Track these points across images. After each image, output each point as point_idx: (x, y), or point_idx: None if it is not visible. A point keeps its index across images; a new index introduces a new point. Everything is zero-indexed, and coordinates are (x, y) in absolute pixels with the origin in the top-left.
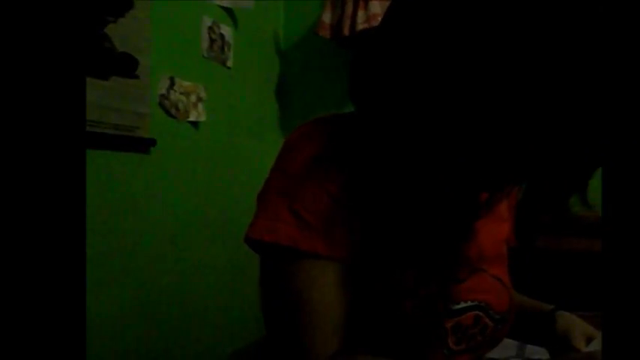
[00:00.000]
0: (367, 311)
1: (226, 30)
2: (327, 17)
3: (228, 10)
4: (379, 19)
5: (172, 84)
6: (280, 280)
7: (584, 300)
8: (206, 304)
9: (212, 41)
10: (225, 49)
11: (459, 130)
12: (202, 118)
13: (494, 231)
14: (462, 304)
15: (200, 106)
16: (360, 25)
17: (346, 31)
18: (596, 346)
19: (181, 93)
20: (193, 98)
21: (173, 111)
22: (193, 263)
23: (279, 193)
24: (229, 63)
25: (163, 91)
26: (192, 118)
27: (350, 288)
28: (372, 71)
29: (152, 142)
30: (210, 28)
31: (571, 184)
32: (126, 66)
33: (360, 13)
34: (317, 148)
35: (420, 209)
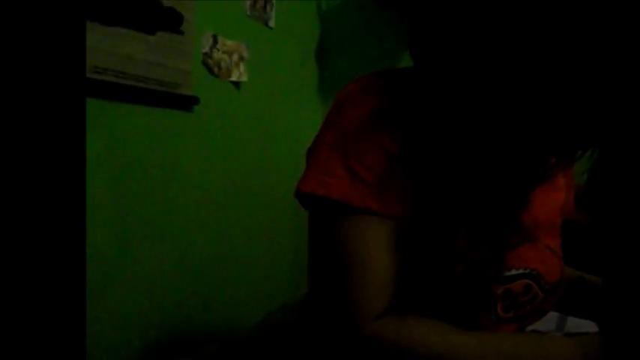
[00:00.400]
0: (418, 272)
1: None
2: None
3: None
4: None
5: (215, 42)
6: (331, 235)
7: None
8: (245, 263)
9: (255, 1)
10: (268, 8)
11: (523, 89)
12: (244, 79)
13: (550, 200)
14: (514, 271)
15: (242, 65)
16: None
17: None
18: None
19: (224, 52)
20: (235, 57)
21: (216, 70)
22: (232, 224)
23: (333, 148)
24: (271, 23)
25: (206, 49)
26: (234, 78)
27: (402, 247)
28: (433, 27)
29: (195, 100)
30: None
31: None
32: (172, 21)
33: None
34: (373, 102)
35: (479, 171)
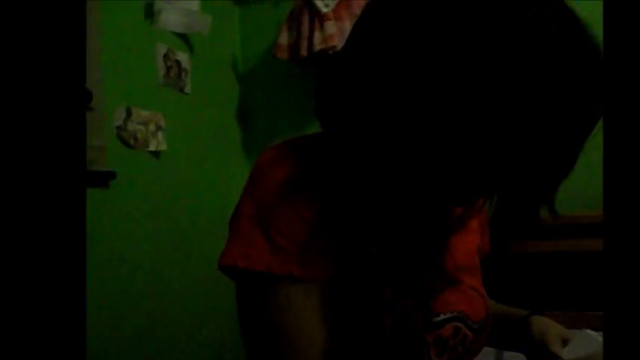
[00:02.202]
0: (349, 332)
1: (182, 56)
2: (283, 39)
3: (183, 36)
4: (335, 39)
5: (129, 114)
6: (258, 306)
7: (555, 299)
8: (175, 336)
9: (168, 68)
10: (182, 75)
11: (428, 146)
12: (163, 147)
13: (467, 243)
14: (442, 316)
15: (160, 134)
16: (318, 46)
17: (304, 52)
18: (572, 347)
19: (139, 123)
20: (152, 127)
21: (132, 142)
22: (162, 293)
23: (251, 219)
24: (187, 89)
25: (119, 123)
26: (152, 148)
27: (330, 310)
28: (338, 90)
29: (111, 175)
30: (165, 55)
31: (539, 197)
32: None
33: (317, 34)
34: (287, 171)
35: (394, 225)
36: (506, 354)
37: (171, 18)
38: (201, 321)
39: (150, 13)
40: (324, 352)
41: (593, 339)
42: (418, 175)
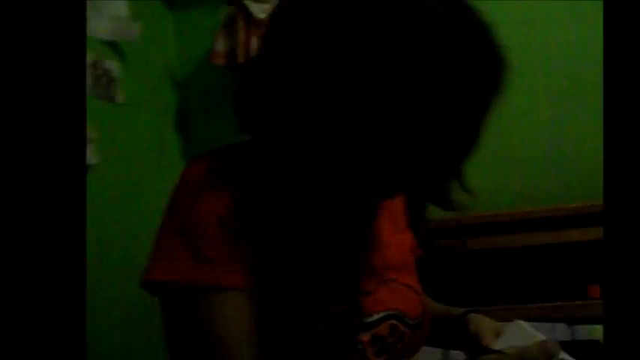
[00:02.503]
0: (282, 337)
1: (112, 64)
2: (220, 45)
3: (113, 44)
4: None
5: None
6: (186, 321)
7: (492, 295)
8: (110, 348)
9: (97, 78)
10: (113, 84)
11: (343, 135)
12: (94, 161)
13: (398, 241)
14: (375, 316)
15: (90, 147)
16: (255, 52)
17: (241, 58)
18: (505, 338)
19: None
20: None
21: None
22: (97, 311)
23: (172, 231)
24: (119, 99)
25: None
26: None
27: (261, 317)
28: (257, 94)
29: None
30: (93, 64)
31: (448, 174)
32: None
33: (254, 40)
34: (207, 181)
35: (319, 225)
36: (452, 353)
37: (97, 25)
38: (134, 335)
39: None
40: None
41: (523, 329)
42: (338, 167)
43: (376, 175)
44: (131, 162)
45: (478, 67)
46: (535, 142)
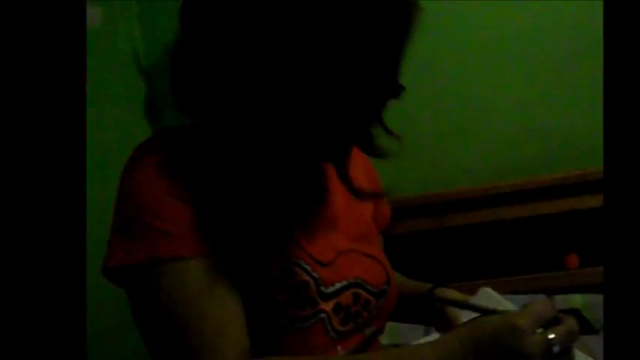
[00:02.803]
0: (247, 308)
1: None
2: None
3: None
4: None
5: None
6: (154, 298)
7: (472, 270)
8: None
9: None
10: None
11: (273, 96)
12: None
13: (355, 212)
14: (337, 285)
15: None
16: None
17: None
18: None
19: None
20: None
21: None
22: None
23: (126, 215)
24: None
25: None
26: None
27: (228, 284)
28: (185, 75)
29: None
30: None
31: (370, 120)
32: None
33: None
34: (155, 159)
35: (268, 195)
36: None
37: None
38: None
39: None
40: (235, 329)
41: (491, 296)
42: (274, 128)
43: (308, 128)
44: (100, 152)
45: (389, 7)
46: (511, 117)
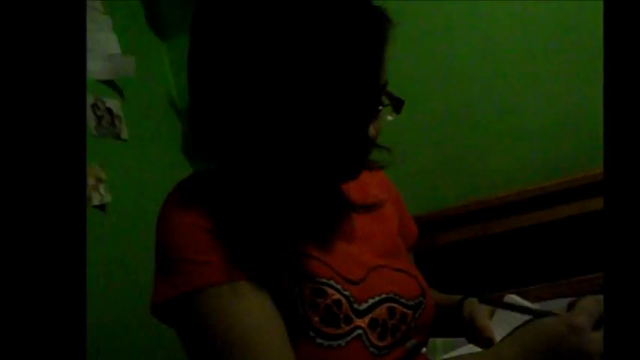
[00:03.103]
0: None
1: (112, 103)
2: None
3: (110, 83)
4: None
5: None
6: (198, 326)
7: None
8: None
9: (99, 118)
10: (116, 122)
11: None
12: (107, 200)
13: (384, 229)
14: (370, 301)
15: (101, 187)
16: None
17: None
18: (500, 316)
19: None
20: (92, 181)
21: None
22: (129, 343)
23: (163, 255)
24: (124, 135)
25: None
26: (95, 202)
27: (267, 304)
28: (204, 125)
29: None
30: (94, 105)
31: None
32: None
33: None
34: (177, 202)
35: (287, 219)
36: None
37: (93, 66)
38: None
39: None
40: (284, 344)
41: (516, 302)
42: (291, 166)
43: (317, 155)
44: (143, 196)
45: (367, 25)
46: (545, 114)
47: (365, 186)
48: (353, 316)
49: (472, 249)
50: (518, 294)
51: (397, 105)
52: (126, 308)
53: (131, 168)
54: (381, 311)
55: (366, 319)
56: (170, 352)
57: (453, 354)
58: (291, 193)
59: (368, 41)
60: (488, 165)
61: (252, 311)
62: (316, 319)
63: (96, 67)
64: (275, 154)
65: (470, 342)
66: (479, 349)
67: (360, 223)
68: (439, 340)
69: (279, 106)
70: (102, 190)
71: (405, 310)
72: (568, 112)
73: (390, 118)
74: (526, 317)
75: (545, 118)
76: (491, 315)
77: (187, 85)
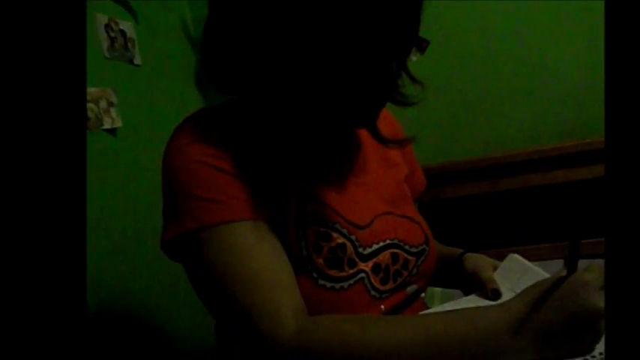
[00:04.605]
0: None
1: (126, 25)
2: None
3: (124, 4)
4: None
5: None
6: (207, 263)
7: (528, 233)
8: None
9: (112, 40)
10: (129, 45)
11: (303, 66)
12: (118, 124)
13: (390, 176)
14: (374, 246)
15: (113, 111)
16: None
17: None
18: (502, 269)
19: (89, 101)
20: (104, 104)
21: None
22: (127, 277)
23: (172, 191)
24: (137, 60)
25: None
26: (106, 126)
27: (275, 244)
28: (218, 56)
29: None
30: (107, 26)
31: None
32: None
33: None
34: (190, 137)
35: (297, 158)
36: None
37: None
38: (168, 316)
39: None
40: (289, 286)
41: (519, 261)
42: (309, 100)
43: (336, 92)
44: (154, 122)
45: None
46: (570, 77)
47: (393, 121)
48: (357, 260)
49: (478, 204)
50: (517, 252)
51: (422, 45)
52: (137, 230)
53: (143, 94)
54: (384, 256)
55: (370, 263)
56: (182, 273)
57: (451, 305)
58: (306, 128)
59: None
60: (507, 121)
61: (261, 249)
62: (320, 260)
63: None
64: (291, 86)
65: (473, 292)
66: (480, 301)
67: (370, 168)
68: (437, 289)
69: (298, 37)
70: (113, 114)
71: (408, 256)
72: (593, 75)
73: (414, 58)
74: (534, 269)
75: (570, 78)
76: (494, 269)
77: (208, 11)
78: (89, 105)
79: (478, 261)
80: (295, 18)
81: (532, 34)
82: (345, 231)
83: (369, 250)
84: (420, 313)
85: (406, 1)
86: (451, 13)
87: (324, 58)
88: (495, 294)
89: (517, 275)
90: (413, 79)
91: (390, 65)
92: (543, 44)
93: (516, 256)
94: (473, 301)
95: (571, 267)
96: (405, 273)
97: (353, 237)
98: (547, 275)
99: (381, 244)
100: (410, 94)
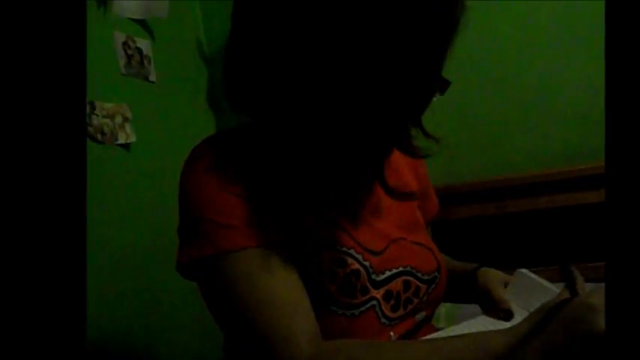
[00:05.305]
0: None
1: (143, 43)
2: None
3: (141, 23)
4: None
5: (93, 108)
6: (222, 289)
7: (536, 256)
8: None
9: (129, 57)
10: (145, 62)
11: (325, 96)
12: (132, 139)
13: (404, 203)
14: (387, 273)
15: (128, 126)
16: None
17: None
18: (511, 286)
19: (104, 116)
20: (119, 119)
21: (99, 136)
22: (139, 293)
23: (188, 214)
24: (152, 77)
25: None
26: (121, 141)
27: (289, 270)
28: (238, 76)
29: None
30: (124, 44)
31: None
32: None
33: None
34: (207, 160)
35: (313, 184)
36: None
37: (126, 4)
38: (183, 317)
39: (102, 1)
40: (305, 311)
41: (529, 277)
42: (324, 126)
43: (352, 124)
44: (167, 139)
45: (431, 6)
46: (578, 100)
47: (401, 171)
48: (370, 287)
49: (485, 226)
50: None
51: (443, 87)
52: (149, 245)
53: (157, 110)
54: (396, 284)
55: (382, 290)
56: (195, 287)
57: (461, 327)
58: (324, 154)
59: (428, 21)
60: (513, 143)
61: (276, 275)
62: (333, 287)
63: (128, 4)
64: (311, 108)
65: (484, 312)
66: (491, 323)
67: (383, 194)
68: (443, 310)
69: (320, 64)
70: (128, 129)
71: (419, 283)
72: (600, 99)
73: (434, 99)
74: (543, 284)
75: (576, 102)
76: (505, 286)
77: (230, 28)
78: (104, 120)
79: (489, 277)
80: (318, 40)
81: (538, 58)
82: (360, 257)
83: (382, 277)
84: (429, 336)
85: (430, 37)
86: (458, 37)
87: (346, 82)
88: (507, 314)
89: (527, 292)
90: (426, 134)
91: (407, 102)
92: (550, 68)
93: (524, 271)
94: (484, 322)
95: (572, 291)
96: (416, 300)
97: (367, 263)
98: (557, 290)
99: (394, 270)
100: (422, 147)
